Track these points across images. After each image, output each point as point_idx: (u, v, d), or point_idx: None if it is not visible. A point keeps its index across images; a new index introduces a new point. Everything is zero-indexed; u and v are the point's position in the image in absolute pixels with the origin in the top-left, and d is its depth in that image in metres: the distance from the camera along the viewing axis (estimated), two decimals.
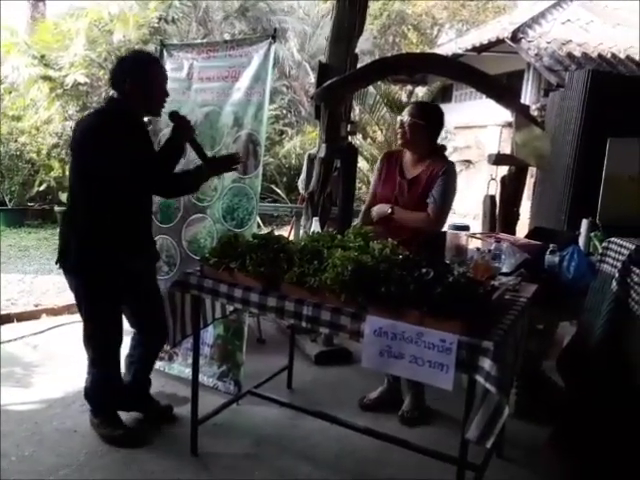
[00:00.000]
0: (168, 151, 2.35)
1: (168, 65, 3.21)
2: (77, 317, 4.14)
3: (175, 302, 2.29)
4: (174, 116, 2.34)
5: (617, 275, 1.91)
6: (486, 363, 1.64)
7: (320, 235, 2.24)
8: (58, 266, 2.37)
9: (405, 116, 2.68)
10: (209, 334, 2.99)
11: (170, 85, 3.20)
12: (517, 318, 1.93)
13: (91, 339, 2.44)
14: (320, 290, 1.93)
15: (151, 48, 8.21)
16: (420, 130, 2.64)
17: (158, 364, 3.13)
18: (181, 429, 2.56)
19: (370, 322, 1.83)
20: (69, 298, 4.54)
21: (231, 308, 2.48)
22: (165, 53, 3.25)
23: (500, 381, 1.61)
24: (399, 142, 2.74)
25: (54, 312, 4.26)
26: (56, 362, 3.36)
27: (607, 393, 1.90)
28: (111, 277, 2.28)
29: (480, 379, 1.67)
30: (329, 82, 3.39)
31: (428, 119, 2.66)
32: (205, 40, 8.64)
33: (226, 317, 2.65)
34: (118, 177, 2.15)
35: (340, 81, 3.36)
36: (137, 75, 2.24)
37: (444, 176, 2.61)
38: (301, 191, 5.09)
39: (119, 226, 2.27)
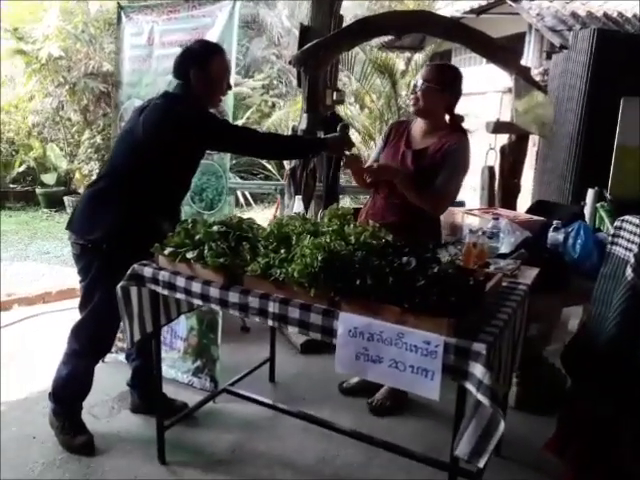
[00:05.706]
0: (309, 144, 2.45)
1: (127, 30, 2.90)
2: (51, 307, 3.97)
3: (130, 296, 2.03)
4: (344, 131, 2.33)
5: (632, 260, 1.63)
6: (477, 369, 1.38)
7: (290, 218, 1.96)
8: (71, 237, 2.19)
9: (419, 79, 2.33)
10: (181, 327, 2.75)
11: (130, 53, 2.93)
12: (514, 311, 1.67)
13: (90, 324, 2.21)
14: (287, 284, 1.67)
15: None
16: (435, 96, 2.30)
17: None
18: (148, 433, 2.33)
19: (344, 320, 1.57)
20: (44, 286, 4.33)
21: None
22: (123, 17, 2.92)
23: (494, 391, 1.36)
24: (411, 109, 2.41)
25: (28, 302, 4.03)
26: (25, 357, 3.11)
27: (621, 396, 1.65)
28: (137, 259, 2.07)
29: (471, 388, 1.42)
30: (309, 45, 3.08)
31: (445, 84, 2.31)
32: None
33: (193, 310, 2.41)
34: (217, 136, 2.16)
35: (320, 43, 3.05)
36: (202, 65, 2.16)
37: (455, 154, 2.29)
38: (286, 166, 4.79)
39: (159, 210, 2.20)
